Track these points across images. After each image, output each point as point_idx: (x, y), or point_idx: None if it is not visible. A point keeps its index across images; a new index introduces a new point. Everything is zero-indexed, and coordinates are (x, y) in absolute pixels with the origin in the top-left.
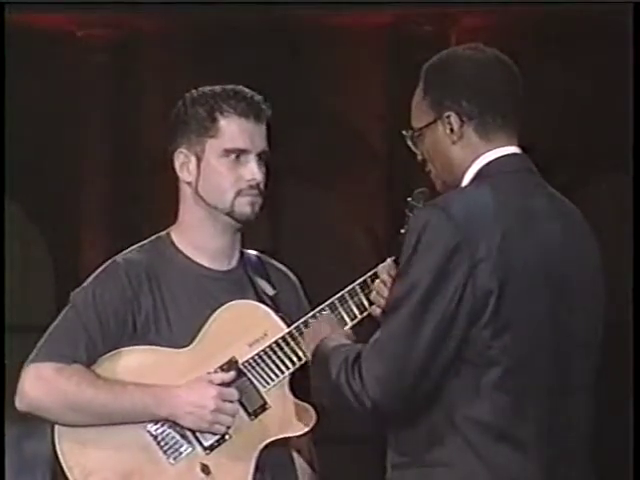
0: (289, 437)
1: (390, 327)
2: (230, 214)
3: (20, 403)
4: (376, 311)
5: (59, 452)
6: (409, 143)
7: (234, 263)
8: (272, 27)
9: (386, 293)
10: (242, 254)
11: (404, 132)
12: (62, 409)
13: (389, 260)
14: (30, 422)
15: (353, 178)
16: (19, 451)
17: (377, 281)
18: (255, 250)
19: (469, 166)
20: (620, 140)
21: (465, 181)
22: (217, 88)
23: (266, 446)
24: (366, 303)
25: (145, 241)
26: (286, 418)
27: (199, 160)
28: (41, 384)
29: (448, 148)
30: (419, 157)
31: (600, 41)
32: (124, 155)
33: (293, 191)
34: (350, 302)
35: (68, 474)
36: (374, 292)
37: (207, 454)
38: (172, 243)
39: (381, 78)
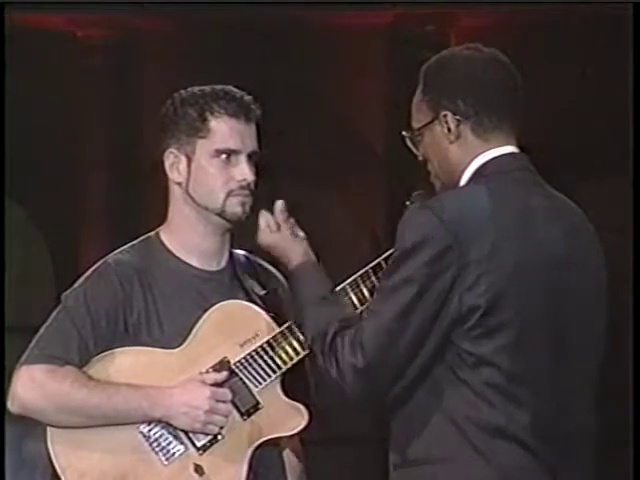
0: (281, 437)
1: (372, 325)
2: (221, 214)
3: (13, 406)
4: None
5: (52, 454)
6: (409, 144)
7: (224, 263)
8: (272, 27)
9: None
10: (231, 254)
11: (404, 133)
12: (55, 411)
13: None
14: (29, 421)
15: (353, 178)
16: (18, 450)
17: None
18: (253, 250)
19: (467, 166)
20: (620, 140)
21: (463, 181)
22: (206, 88)
23: (258, 446)
24: (356, 301)
25: (135, 241)
26: (278, 418)
27: (189, 160)
28: (33, 386)
29: (446, 148)
30: (420, 157)
31: (600, 41)
32: (124, 155)
33: (293, 191)
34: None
35: (61, 475)
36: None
37: (200, 454)
38: (162, 243)
39: (381, 78)
